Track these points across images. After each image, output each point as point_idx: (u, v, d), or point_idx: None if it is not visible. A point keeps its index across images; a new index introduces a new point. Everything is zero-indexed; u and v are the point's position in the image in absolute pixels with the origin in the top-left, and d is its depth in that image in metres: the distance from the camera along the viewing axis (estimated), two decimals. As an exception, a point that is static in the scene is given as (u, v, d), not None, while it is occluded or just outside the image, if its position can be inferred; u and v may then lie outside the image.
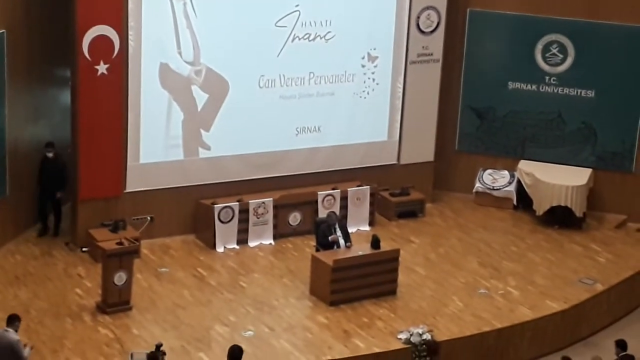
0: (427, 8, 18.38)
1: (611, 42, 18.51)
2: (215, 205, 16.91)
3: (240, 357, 12.33)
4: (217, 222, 16.90)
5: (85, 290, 15.34)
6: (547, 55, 18.89)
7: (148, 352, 12.71)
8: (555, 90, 18.95)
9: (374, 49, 18.19)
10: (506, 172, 19.24)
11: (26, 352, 12.47)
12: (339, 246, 15.79)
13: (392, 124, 18.67)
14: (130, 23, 16.14)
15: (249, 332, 14.48)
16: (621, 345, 13.24)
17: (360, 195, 17.99)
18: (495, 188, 19.19)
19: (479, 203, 19.25)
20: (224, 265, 16.54)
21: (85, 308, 14.84)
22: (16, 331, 12.51)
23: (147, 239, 16.65)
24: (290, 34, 17.39)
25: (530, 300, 15.80)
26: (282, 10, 17.26)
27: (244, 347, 13.89)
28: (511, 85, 19.10)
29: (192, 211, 17.26)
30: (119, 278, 14.68)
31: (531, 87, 19.02)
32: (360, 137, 18.39)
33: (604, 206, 18.95)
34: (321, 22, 17.57)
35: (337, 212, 16.86)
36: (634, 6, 18.29)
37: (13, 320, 12.54)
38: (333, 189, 17.88)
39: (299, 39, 17.48)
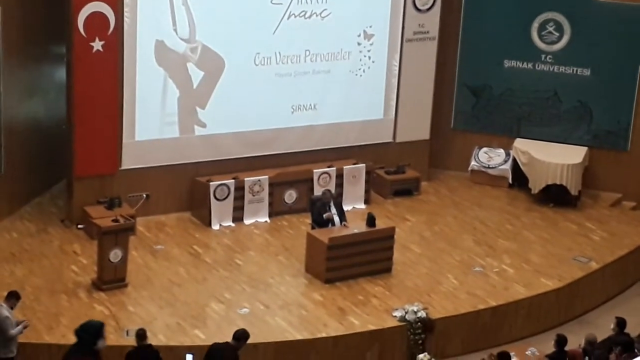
0: (424, -15, 18.38)
1: (607, 21, 18.48)
2: (211, 183, 16.91)
3: (242, 339, 12.31)
4: (212, 199, 16.90)
5: (80, 267, 15.35)
6: (543, 33, 18.86)
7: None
8: (551, 69, 18.93)
9: (370, 27, 18.15)
10: (502, 151, 19.25)
11: (18, 329, 12.48)
12: (334, 224, 15.80)
13: (388, 102, 18.65)
14: (126, 0, 16.08)
15: (244, 310, 14.50)
16: (621, 324, 13.24)
17: (355, 173, 17.99)
18: (490, 166, 19.20)
19: (475, 181, 19.26)
20: (220, 242, 16.55)
21: (81, 285, 14.85)
22: (12, 308, 12.53)
23: (143, 216, 16.65)
24: (286, 11, 17.34)
25: (525, 278, 15.84)
26: (278, -13, 17.24)
27: (240, 324, 13.97)
28: (507, 63, 19.08)
29: (188, 189, 17.25)
30: (115, 255, 14.69)
31: (527, 65, 19.00)
32: (356, 115, 18.37)
33: (599, 184, 18.98)
34: (317, -1, 17.55)
35: (333, 190, 16.86)
36: (630, -16, 18.28)
37: (10, 297, 12.57)
38: (329, 166, 17.88)
39: (295, 17, 17.43)
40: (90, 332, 11.59)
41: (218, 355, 12.19)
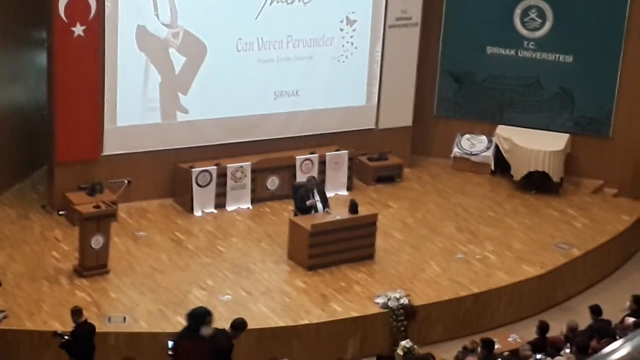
0: (406, -28, 18.33)
1: (590, 8, 18.50)
2: (193, 169, 16.86)
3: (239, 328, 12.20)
4: (194, 186, 16.85)
5: (62, 254, 15.28)
6: (525, 19, 18.87)
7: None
8: (534, 55, 18.94)
9: (353, 13, 18.11)
10: (484, 137, 19.25)
11: None
12: (316, 210, 15.78)
13: (371, 89, 18.63)
14: (107, -15, 16.01)
15: (227, 296, 14.48)
16: (595, 310, 13.31)
17: (338, 159, 17.96)
18: (473, 153, 19.21)
19: (457, 168, 19.27)
20: (202, 229, 16.51)
21: (62, 271, 14.79)
22: None
23: (125, 202, 16.59)
24: (269, -4, 17.30)
25: (507, 265, 15.87)
26: (261, -28, 17.16)
27: (222, 310, 13.94)
28: (490, 50, 19.07)
29: (170, 175, 17.20)
30: (96, 241, 14.62)
31: (510, 51, 19.01)
32: (338, 101, 18.34)
33: (581, 171, 19.02)
34: (300, -15, 17.49)
35: (315, 176, 16.83)
36: (613, -29, 18.29)
37: None
38: (311, 153, 17.85)
39: (277, 2, 17.37)
40: (194, 318, 11.56)
41: (214, 340, 12.10)
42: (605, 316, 13.32)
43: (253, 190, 17.35)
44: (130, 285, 14.61)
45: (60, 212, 16.12)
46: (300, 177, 17.25)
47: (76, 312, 12.43)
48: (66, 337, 12.37)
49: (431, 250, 16.24)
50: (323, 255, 15.34)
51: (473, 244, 16.53)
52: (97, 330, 13.30)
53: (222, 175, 17.05)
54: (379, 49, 18.49)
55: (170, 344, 12.04)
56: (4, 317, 12.59)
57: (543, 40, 18.86)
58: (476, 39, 19.06)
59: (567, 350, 12.39)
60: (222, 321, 13.68)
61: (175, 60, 16.87)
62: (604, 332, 12.67)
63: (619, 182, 18.85)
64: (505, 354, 13.02)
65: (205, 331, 11.48)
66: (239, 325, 12.07)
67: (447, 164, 19.37)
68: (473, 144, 19.29)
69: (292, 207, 16.24)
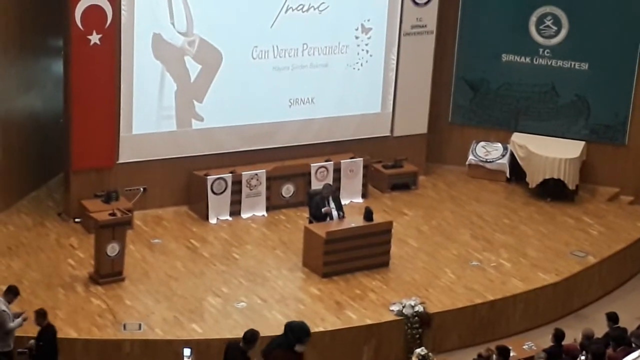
0: (422, -21, 18.35)
1: (605, 15, 18.46)
2: (208, 177, 16.89)
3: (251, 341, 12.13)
4: (209, 193, 16.88)
5: (77, 261, 15.33)
6: (541, 27, 18.85)
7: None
8: (549, 63, 18.92)
9: (368, 21, 18.13)
10: (499, 145, 19.23)
11: (17, 322, 12.53)
12: (331, 218, 15.79)
13: (386, 96, 18.63)
14: (123, -7, 16.08)
15: (242, 304, 14.49)
16: (612, 318, 13.27)
17: (353, 167, 17.97)
18: (488, 160, 19.19)
19: (472, 175, 19.25)
20: (217, 236, 16.53)
21: (78, 279, 14.83)
22: (10, 302, 12.54)
23: (140, 210, 16.63)
24: (284, 5, 17.31)
25: (522, 273, 15.83)
26: (276, -19, 17.20)
27: (237, 318, 13.97)
28: (505, 57, 19.06)
29: (185, 182, 17.23)
30: (112, 249, 14.67)
31: (525, 59, 18.98)
32: (353, 109, 18.35)
33: (597, 179, 18.97)
34: (315, -7, 17.53)
35: (331, 184, 16.83)
36: (628, -21, 18.26)
37: (8, 292, 12.66)
38: (326, 160, 17.86)
39: (293, 10, 17.40)
40: (295, 332, 11.61)
41: (229, 355, 12.09)
42: (621, 324, 13.28)
43: (268, 198, 17.37)
44: (146, 292, 14.64)
45: (76, 220, 16.20)
46: (316, 185, 17.26)
47: (41, 315, 12.54)
48: (26, 349, 12.50)
49: (446, 257, 16.22)
50: (338, 263, 15.34)
51: (488, 251, 16.50)
52: (113, 337, 13.41)
53: (237, 182, 17.08)
54: (394, 56, 18.49)
55: (187, 351, 12.06)
56: (24, 319, 12.70)
57: (558, 47, 18.83)
58: (491, 46, 19.05)
59: (583, 358, 12.37)
60: (237, 329, 13.76)
61: (190, 68, 16.92)
62: (620, 340, 12.65)
63: (635, 190, 18.79)
64: (521, 361, 13.02)
65: (299, 348, 11.54)
66: (250, 337, 11.92)
67: (463, 172, 19.35)
68: (488, 152, 19.27)
69: (307, 215, 16.26)
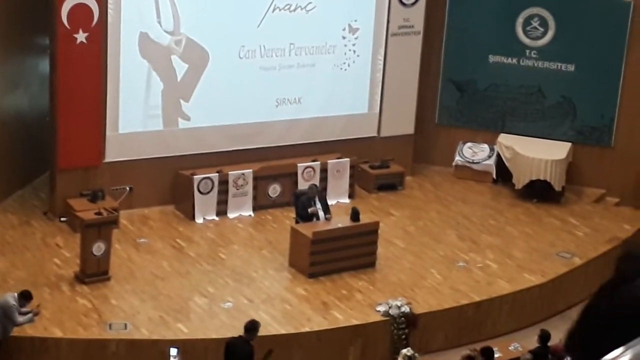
0: (409, -20, 18.36)
1: (592, 16, 18.51)
2: (195, 176, 16.86)
3: (251, 330, 12.34)
4: (196, 193, 16.85)
5: (63, 260, 15.28)
6: (527, 28, 18.88)
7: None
8: (536, 64, 18.95)
9: (355, 21, 18.13)
10: (486, 146, 19.25)
11: (27, 317, 12.78)
12: (318, 218, 15.78)
13: (373, 97, 18.64)
14: (110, -8, 16.04)
15: (228, 304, 14.47)
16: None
17: (340, 167, 17.97)
18: (474, 161, 19.21)
19: (459, 176, 19.26)
20: (203, 236, 16.51)
21: (64, 278, 14.79)
22: (22, 307, 12.80)
23: (126, 209, 16.58)
24: (271, 4, 17.29)
25: (508, 274, 15.86)
26: (263, -20, 17.18)
27: (223, 318, 13.94)
28: (492, 58, 19.08)
29: (172, 182, 17.20)
30: (98, 248, 14.63)
31: (512, 60, 19.01)
32: (340, 109, 18.34)
33: (583, 180, 19.00)
34: (302, -7, 17.51)
35: (317, 184, 16.83)
36: (615, -20, 18.30)
37: (20, 297, 12.89)
38: (313, 160, 17.85)
39: (280, 10, 17.39)
40: None
41: (232, 350, 12.19)
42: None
43: (254, 198, 17.35)
44: (131, 292, 14.61)
45: (62, 219, 16.14)
46: (302, 185, 17.25)
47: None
48: None
49: (432, 258, 16.23)
50: (324, 263, 15.33)
51: (474, 252, 16.52)
52: (98, 337, 13.36)
53: (223, 182, 17.05)
54: (381, 57, 18.50)
55: (174, 351, 12.05)
56: (36, 314, 12.90)
57: (545, 49, 18.87)
58: (478, 47, 19.07)
59: (569, 359, 12.37)
60: (223, 329, 13.74)
61: (177, 68, 16.89)
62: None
63: (621, 191, 18.84)
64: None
65: None
66: (249, 327, 12.34)
67: (449, 172, 19.36)
68: (475, 152, 19.28)
69: (293, 215, 16.25)
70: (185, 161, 17.17)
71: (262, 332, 13.76)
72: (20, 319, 12.77)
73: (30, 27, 16.73)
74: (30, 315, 12.84)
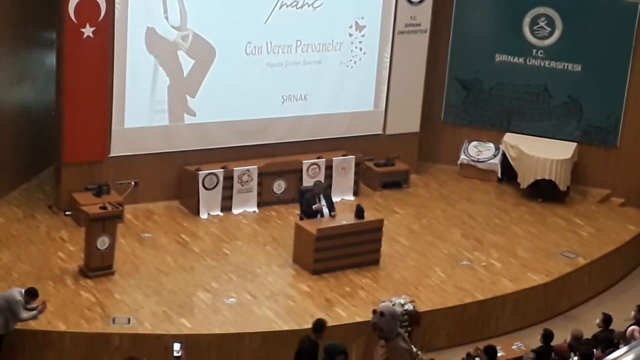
0: (416, -22, 18.36)
1: (599, 16, 18.49)
2: (200, 172, 16.87)
3: (319, 329, 12.36)
4: (201, 188, 16.86)
5: (67, 254, 15.30)
6: (534, 28, 18.86)
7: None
8: (542, 64, 18.93)
9: (362, 18, 18.12)
10: (491, 145, 19.24)
11: (31, 314, 12.83)
12: (322, 215, 15.78)
13: (379, 94, 18.63)
14: (117, -14, 16.06)
15: (231, 299, 14.48)
16: (606, 321, 13.25)
17: (345, 164, 17.97)
18: (480, 160, 19.20)
19: (464, 175, 19.26)
20: (208, 232, 16.52)
21: (68, 272, 14.81)
22: (27, 303, 12.82)
23: (131, 204, 16.60)
24: (278, 1, 17.30)
25: (512, 273, 15.85)
26: (270, -24, 17.19)
27: (226, 314, 13.96)
28: (498, 57, 19.07)
29: (177, 177, 17.21)
30: (102, 242, 14.64)
31: (518, 59, 19.00)
32: (346, 106, 18.35)
33: (588, 180, 18.99)
34: (309, -11, 17.53)
35: (322, 181, 16.82)
36: (622, -19, 18.29)
37: (26, 294, 12.90)
38: (318, 157, 17.85)
39: (287, 7, 17.38)
40: (329, 352, 11.63)
41: (301, 350, 12.23)
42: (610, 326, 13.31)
43: (259, 194, 17.36)
44: (135, 286, 14.62)
45: (67, 213, 16.16)
46: (307, 182, 17.25)
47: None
48: None
49: (436, 256, 16.23)
50: (328, 260, 15.34)
51: (478, 251, 16.52)
52: (102, 331, 13.39)
53: (228, 178, 17.06)
54: (388, 54, 18.50)
55: (177, 346, 12.06)
56: (40, 312, 12.94)
57: (552, 48, 18.85)
58: (485, 46, 19.06)
59: (575, 359, 12.38)
60: (226, 325, 13.77)
61: (184, 63, 16.90)
62: (609, 342, 12.66)
63: (626, 192, 18.82)
64: (509, 361, 13.03)
65: None
66: (317, 327, 12.33)
67: (454, 171, 19.36)
68: (480, 151, 19.28)
69: (298, 211, 16.25)
70: (190, 156, 17.19)
71: (265, 328, 13.81)
72: (24, 314, 12.80)
73: (37, 21, 16.75)
74: (34, 312, 12.85)
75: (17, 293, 12.81)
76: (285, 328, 13.92)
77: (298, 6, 17.47)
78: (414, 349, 12.90)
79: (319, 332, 12.32)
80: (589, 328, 13.62)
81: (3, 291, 13.21)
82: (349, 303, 14.61)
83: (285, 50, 17.57)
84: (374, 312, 11.34)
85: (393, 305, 14.37)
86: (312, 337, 12.30)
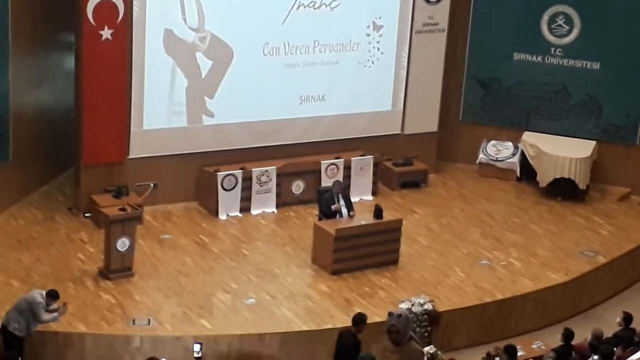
0: (434, -23, 18.35)
1: (618, 14, 18.43)
2: (219, 173, 16.91)
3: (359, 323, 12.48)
4: (220, 189, 16.89)
5: (87, 256, 15.36)
6: (553, 26, 18.82)
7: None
8: (561, 62, 18.88)
9: (380, 18, 18.12)
10: (510, 144, 19.21)
11: (52, 316, 12.86)
12: (341, 215, 15.78)
13: (397, 94, 18.62)
14: (135, -12, 16.10)
15: (251, 300, 14.50)
16: (627, 319, 13.22)
17: (363, 164, 17.97)
18: (498, 159, 19.17)
19: (482, 174, 19.23)
20: (227, 232, 16.55)
21: (88, 273, 14.86)
22: (47, 305, 12.88)
23: (150, 205, 16.65)
24: (296, 1, 17.31)
25: (531, 272, 15.82)
26: (288, -23, 17.21)
27: (245, 314, 13.99)
28: (516, 56, 19.03)
29: (195, 178, 17.25)
30: (122, 244, 14.69)
31: (536, 58, 18.95)
32: (364, 106, 18.34)
33: (608, 179, 18.94)
34: (327, -10, 17.53)
35: (341, 181, 16.81)
36: (641, -22, 18.22)
37: (47, 295, 12.96)
38: (336, 158, 17.86)
39: (304, 7, 17.40)
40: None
41: (340, 341, 12.41)
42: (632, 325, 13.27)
43: (278, 195, 17.38)
44: (155, 287, 14.67)
45: (86, 215, 16.23)
46: (326, 182, 17.26)
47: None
48: None
49: (456, 256, 16.21)
50: (347, 260, 15.34)
51: (498, 250, 16.49)
52: (122, 332, 13.43)
53: (247, 179, 17.09)
54: (406, 54, 18.48)
55: (197, 347, 12.08)
56: (61, 314, 13.00)
57: (570, 47, 18.80)
58: (503, 45, 19.02)
59: (595, 358, 12.34)
60: (246, 325, 13.79)
61: (202, 64, 16.93)
62: (629, 340, 12.62)
63: (646, 190, 18.78)
64: (530, 360, 13.01)
65: None
66: (358, 320, 12.45)
67: (473, 170, 19.33)
68: (499, 150, 19.24)
69: (316, 212, 16.26)
70: (209, 158, 17.22)
71: (285, 328, 13.83)
72: (46, 316, 12.85)
73: (56, 23, 16.81)
74: (55, 314, 12.90)
75: (38, 295, 12.88)
76: (305, 328, 13.93)
77: (315, 6, 17.48)
78: (434, 349, 12.93)
79: (358, 326, 12.42)
80: (610, 327, 13.57)
81: (24, 293, 13.26)
82: (368, 303, 14.61)
83: (302, 51, 17.58)
84: (390, 314, 11.34)
85: (412, 305, 14.40)
86: (352, 330, 12.40)
